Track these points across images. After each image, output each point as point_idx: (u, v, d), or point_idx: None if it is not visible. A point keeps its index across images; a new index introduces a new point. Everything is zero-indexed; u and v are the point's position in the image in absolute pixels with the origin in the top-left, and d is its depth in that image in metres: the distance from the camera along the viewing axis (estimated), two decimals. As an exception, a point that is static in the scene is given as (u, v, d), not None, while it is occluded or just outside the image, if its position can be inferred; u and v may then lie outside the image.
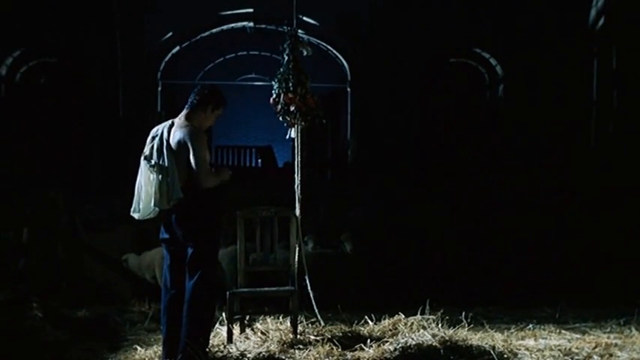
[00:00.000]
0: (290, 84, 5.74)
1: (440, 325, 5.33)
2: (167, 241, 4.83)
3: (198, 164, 4.65)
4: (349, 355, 4.78)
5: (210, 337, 5.00)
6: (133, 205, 4.78)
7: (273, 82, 5.86)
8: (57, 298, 7.64)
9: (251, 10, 14.09)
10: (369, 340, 5.00)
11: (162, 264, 5.07)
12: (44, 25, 12.36)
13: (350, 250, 8.32)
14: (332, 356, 4.76)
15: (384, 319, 5.68)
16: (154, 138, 4.75)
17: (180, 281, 4.75)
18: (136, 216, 4.79)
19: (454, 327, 5.36)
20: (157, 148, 4.68)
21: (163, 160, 4.64)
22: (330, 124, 14.74)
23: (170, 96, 14.70)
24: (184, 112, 4.85)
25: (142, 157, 4.73)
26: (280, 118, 5.95)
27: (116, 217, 8.56)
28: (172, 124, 4.79)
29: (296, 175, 5.96)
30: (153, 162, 4.65)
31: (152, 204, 4.64)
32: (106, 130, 12.55)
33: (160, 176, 4.61)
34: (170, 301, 4.78)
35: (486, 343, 4.97)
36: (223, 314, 5.54)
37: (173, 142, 4.69)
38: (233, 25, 14.72)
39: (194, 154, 4.64)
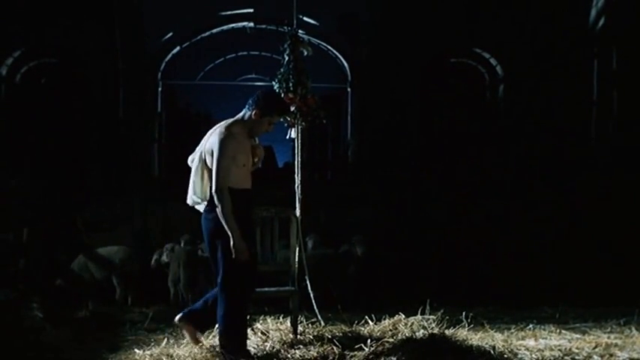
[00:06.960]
0: (290, 84, 5.73)
1: (440, 325, 5.32)
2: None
3: (214, 170, 4.60)
4: (349, 355, 4.77)
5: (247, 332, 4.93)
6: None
7: (274, 83, 5.85)
8: (57, 298, 7.64)
9: (251, 10, 14.09)
10: (369, 340, 4.98)
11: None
12: (44, 26, 12.36)
13: (362, 253, 8.28)
14: (332, 356, 4.75)
15: (385, 319, 5.65)
16: None
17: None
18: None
19: (454, 327, 5.36)
20: (197, 149, 4.82)
21: (195, 161, 4.80)
22: (330, 125, 14.73)
23: (170, 96, 14.68)
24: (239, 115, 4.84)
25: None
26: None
27: (117, 217, 8.57)
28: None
29: (296, 176, 5.95)
30: (189, 160, 4.88)
31: (188, 200, 4.88)
32: (106, 131, 12.54)
33: (193, 175, 4.81)
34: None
35: (487, 343, 4.97)
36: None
37: (208, 144, 4.71)
38: (233, 25, 14.71)
39: (214, 159, 4.58)
